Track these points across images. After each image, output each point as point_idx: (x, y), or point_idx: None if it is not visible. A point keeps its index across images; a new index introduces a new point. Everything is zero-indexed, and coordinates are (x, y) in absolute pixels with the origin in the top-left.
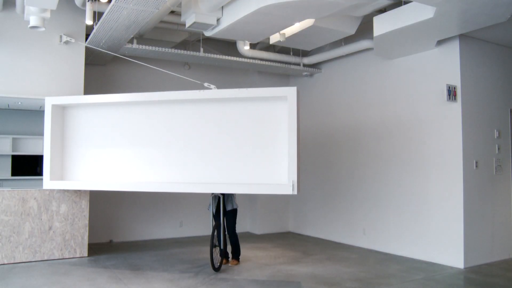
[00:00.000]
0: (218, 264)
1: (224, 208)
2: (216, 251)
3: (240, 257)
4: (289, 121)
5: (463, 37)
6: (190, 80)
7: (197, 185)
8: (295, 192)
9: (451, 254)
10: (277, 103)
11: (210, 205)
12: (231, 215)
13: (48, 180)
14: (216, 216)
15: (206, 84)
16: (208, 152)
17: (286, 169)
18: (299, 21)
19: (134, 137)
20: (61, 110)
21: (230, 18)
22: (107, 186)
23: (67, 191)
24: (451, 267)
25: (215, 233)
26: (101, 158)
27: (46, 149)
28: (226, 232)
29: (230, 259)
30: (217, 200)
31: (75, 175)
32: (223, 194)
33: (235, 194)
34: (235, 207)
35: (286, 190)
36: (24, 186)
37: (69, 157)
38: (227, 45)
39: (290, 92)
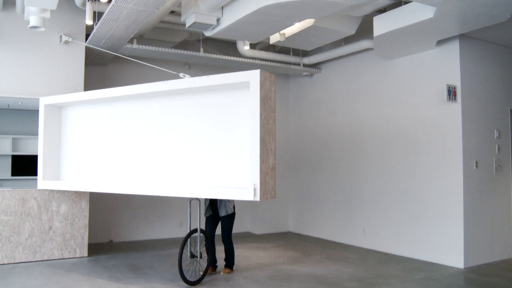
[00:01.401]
0: (200, 275)
1: (218, 214)
2: (196, 262)
3: (234, 266)
4: (251, 113)
5: (463, 37)
6: (170, 72)
7: (156, 188)
8: (257, 198)
9: (451, 254)
10: (243, 92)
11: (206, 210)
12: (225, 221)
13: (41, 180)
14: (207, 222)
15: (181, 75)
16: (172, 152)
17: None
18: (299, 21)
19: (115, 135)
20: (58, 110)
21: (230, 18)
22: (89, 187)
23: (67, 191)
24: (451, 267)
25: (191, 240)
26: (91, 158)
27: (40, 149)
28: (222, 239)
29: (222, 266)
30: (207, 204)
31: (72, 175)
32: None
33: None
34: (229, 212)
35: (247, 195)
36: (24, 186)
37: (66, 157)
38: (227, 45)
39: (252, 77)
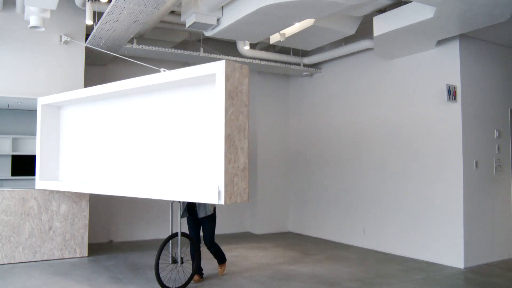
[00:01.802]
0: (182, 284)
1: (197, 216)
2: (179, 268)
3: (226, 263)
4: (216, 108)
5: (463, 37)
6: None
7: (124, 189)
8: (222, 202)
9: (451, 254)
10: (212, 86)
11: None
12: (206, 223)
13: (39, 180)
14: (189, 224)
15: (162, 70)
16: (144, 153)
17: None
18: (299, 21)
19: (102, 135)
20: (56, 110)
21: (230, 18)
22: (81, 188)
23: (67, 191)
24: (451, 267)
25: (173, 244)
26: (85, 158)
27: (37, 149)
28: (204, 243)
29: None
30: (185, 205)
31: (69, 175)
32: None
33: None
34: (208, 213)
35: (211, 198)
36: (24, 186)
37: (64, 157)
38: (227, 45)
39: (218, 69)
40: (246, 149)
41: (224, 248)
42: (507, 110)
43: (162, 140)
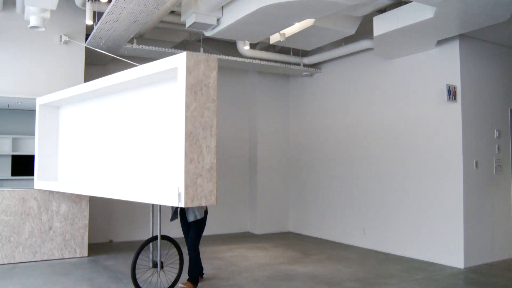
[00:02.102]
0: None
1: (186, 219)
2: (161, 273)
3: (198, 282)
4: (178, 104)
5: (463, 37)
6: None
7: (93, 189)
8: (182, 205)
9: (451, 254)
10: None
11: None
12: (193, 227)
13: (36, 180)
14: (182, 228)
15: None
16: (116, 153)
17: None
18: (299, 21)
19: (88, 135)
20: (55, 110)
21: (230, 18)
22: (71, 189)
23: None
24: (451, 267)
25: (152, 247)
26: (79, 158)
27: (36, 149)
28: (187, 247)
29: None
30: (174, 208)
31: (67, 175)
32: None
33: None
34: (198, 217)
35: (171, 201)
36: (24, 186)
37: (63, 157)
38: (227, 45)
39: (179, 62)
40: (214, 147)
41: (224, 248)
42: (507, 110)
43: (132, 140)
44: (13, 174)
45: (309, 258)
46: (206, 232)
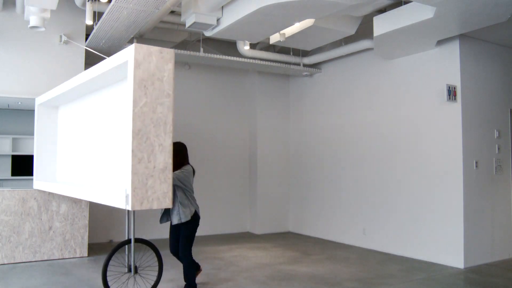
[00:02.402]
0: None
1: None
2: (136, 277)
3: None
4: (126, 100)
5: (463, 37)
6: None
7: (58, 188)
8: (130, 207)
9: (451, 254)
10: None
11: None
12: (182, 231)
13: (35, 181)
14: (169, 231)
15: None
16: (82, 152)
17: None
18: (299, 21)
19: (76, 134)
20: (54, 110)
21: (230, 18)
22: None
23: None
24: (451, 267)
25: (127, 250)
26: (73, 158)
27: (35, 149)
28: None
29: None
30: (163, 210)
31: (66, 176)
32: (173, 195)
33: (188, 202)
34: (183, 220)
35: (119, 203)
36: (24, 186)
37: (61, 158)
38: (227, 45)
39: (129, 55)
40: (169, 146)
41: (224, 248)
42: (507, 110)
43: (97, 140)
44: (13, 174)
45: (309, 258)
46: (207, 232)
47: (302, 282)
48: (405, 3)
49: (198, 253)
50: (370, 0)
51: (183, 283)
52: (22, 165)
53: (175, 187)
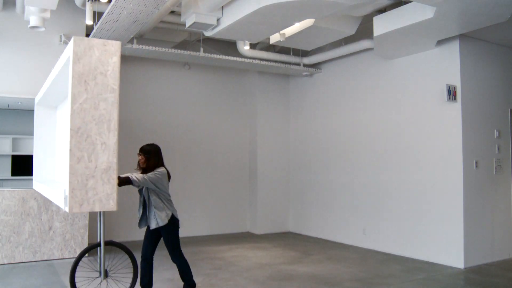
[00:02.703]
0: None
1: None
2: (107, 281)
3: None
4: (67, 97)
5: (463, 37)
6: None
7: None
8: (67, 209)
9: (451, 254)
10: None
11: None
12: (163, 235)
13: (34, 181)
14: (145, 233)
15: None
16: (59, 150)
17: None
18: (299, 21)
19: (60, 135)
20: (52, 110)
21: (230, 18)
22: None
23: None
24: (451, 267)
25: (99, 253)
26: (61, 158)
27: (34, 149)
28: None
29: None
30: (140, 212)
31: (62, 176)
32: (148, 199)
33: (163, 205)
34: (160, 224)
35: (60, 203)
36: (24, 186)
37: (58, 158)
38: (227, 45)
39: (69, 49)
40: (113, 144)
41: (224, 248)
42: (507, 110)
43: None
44: (13, 174)
45: (309, 258)
46: (207, 232)
47: (302, 282)
48: (405, 3)
49: (198, 253)
50: (370, 0)
51: (182, 283)
52: (22, 165)
53: (148, 190)
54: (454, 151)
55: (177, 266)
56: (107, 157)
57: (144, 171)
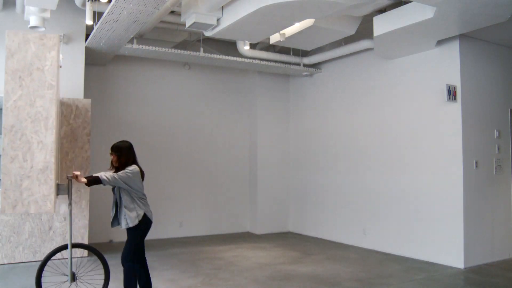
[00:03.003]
0: None
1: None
2: (74, 285)
3: None
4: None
5: (463, 37)
6: None
7: None
8: (10, 211)
9: (451, 254)
10: None
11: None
12: (128, 235)
13: None
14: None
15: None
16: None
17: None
18: (299, 21)
19: None
20: None
21: (230, 18)
22: None
23: None
24: (451, 267)
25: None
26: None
27: None
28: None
29: None
30: (112, 213)
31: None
32: (119, 198)
33: (134, 205)
34: (130, 225)
35: None
36: None
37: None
38: (227, 45)
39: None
40: (51, 143)
41: (224, 248)
42: (507, 110)
43: None
44: None
45: (309, 258)
46: (207, 232)
47: (302, 282)
48: (405, 3)
49: (198, 253)
50: (370, 0)
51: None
52: None
53: (120, 190)
54: (454, 151)
55: (124, 270)
56: (44, 157)
57: (118, 170)
